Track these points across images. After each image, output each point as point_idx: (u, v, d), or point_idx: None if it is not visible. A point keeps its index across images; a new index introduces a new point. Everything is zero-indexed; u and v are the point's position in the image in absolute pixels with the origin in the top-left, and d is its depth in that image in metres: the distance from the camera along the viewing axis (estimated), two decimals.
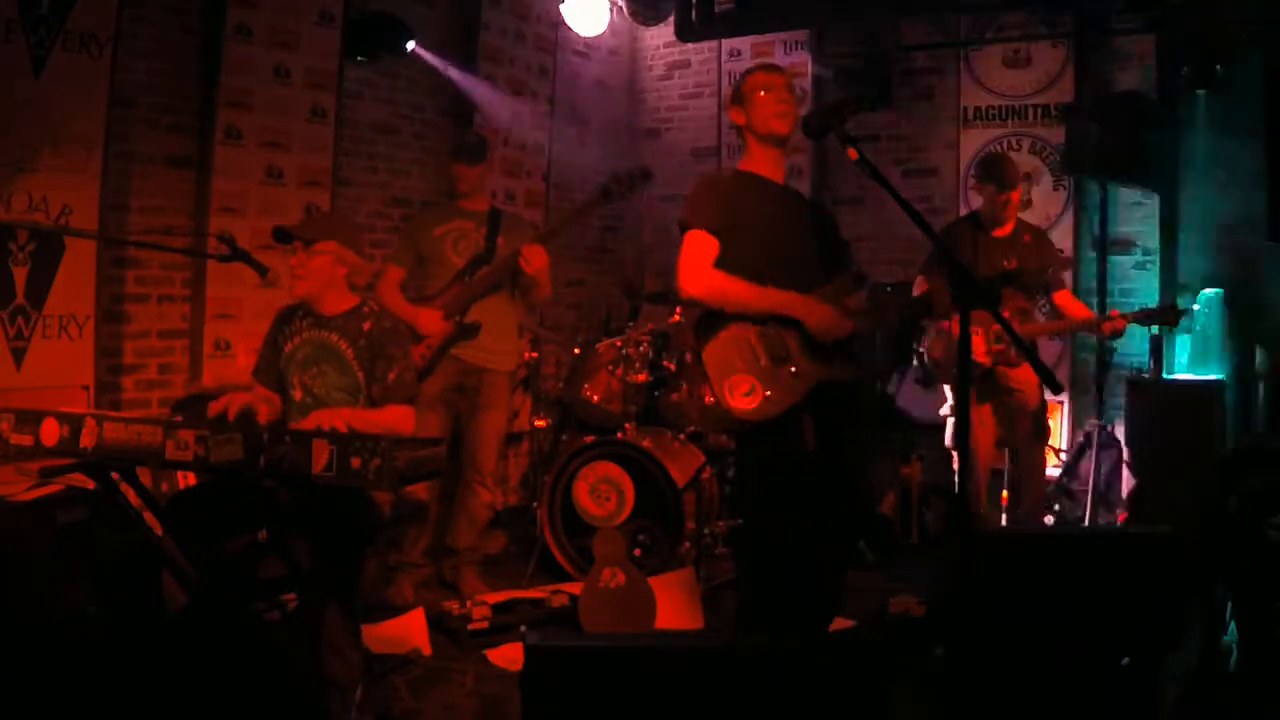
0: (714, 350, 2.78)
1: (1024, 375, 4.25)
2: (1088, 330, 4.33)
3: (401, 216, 5.22)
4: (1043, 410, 4.42)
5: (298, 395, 3.18)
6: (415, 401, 3.13)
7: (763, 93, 2.95)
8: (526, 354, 5.40)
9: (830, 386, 2.82)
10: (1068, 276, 5.09)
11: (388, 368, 3.08)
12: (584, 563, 4.38)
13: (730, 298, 2.78)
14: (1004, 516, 4.84)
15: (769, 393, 2.72)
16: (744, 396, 2.73)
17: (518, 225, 4.43)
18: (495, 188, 5.58)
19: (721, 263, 2.83)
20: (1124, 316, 4.16)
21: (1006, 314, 4.20)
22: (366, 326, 3.12)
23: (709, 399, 4.64)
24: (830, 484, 2.85)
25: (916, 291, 4.29)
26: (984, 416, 4.30)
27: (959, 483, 2.35)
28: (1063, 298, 4.43)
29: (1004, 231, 4.37)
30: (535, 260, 4.02)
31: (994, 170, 4.35)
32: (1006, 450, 4.60)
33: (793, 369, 2.74)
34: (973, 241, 4.35)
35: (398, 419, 3.02)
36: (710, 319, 2.83)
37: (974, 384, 4.22)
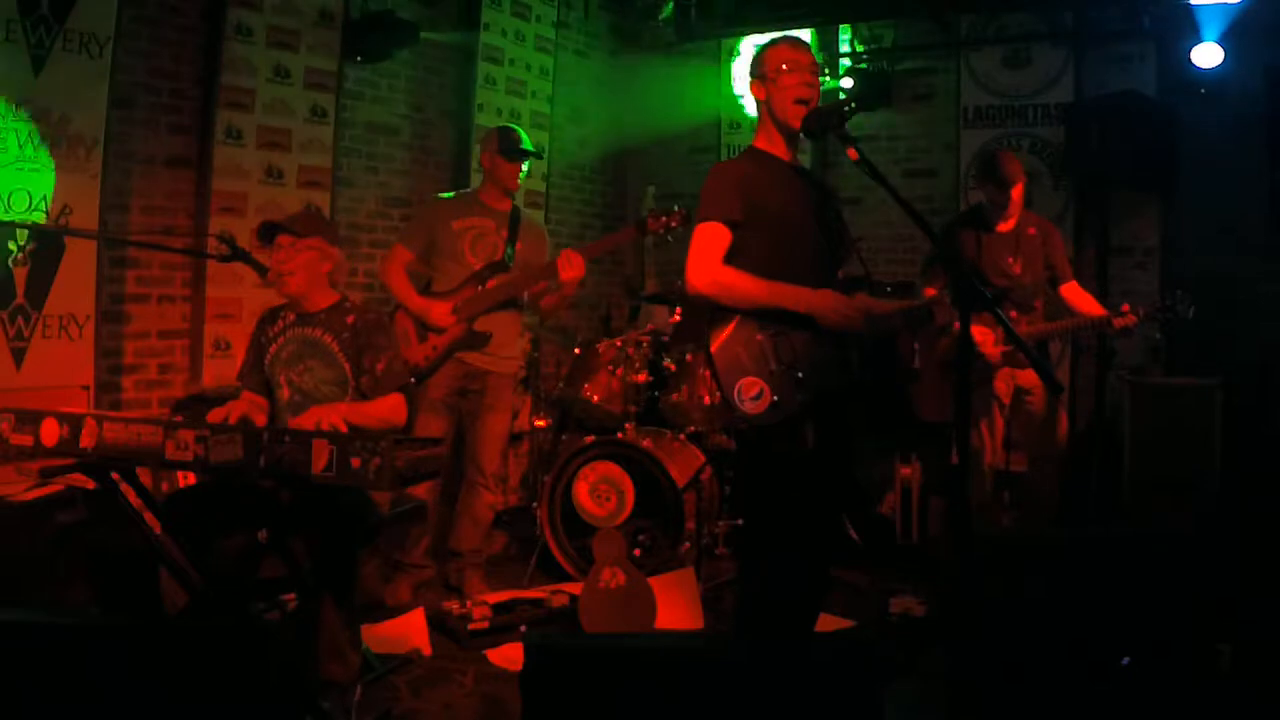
0: (723, 348, 2.76)
1: (1034, 378, 4.21)
2: (1097, 328, 4.21)
3: (401, 217, 5.22)
4: (1053, 413, 4.38)
5: (285, 394, 3.19)
6: (407, 390, 3.13)
7: (785, 67, 2.81)
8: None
9: (833, 393, 2.81)
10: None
11: (375, 359, 3.09)
12: (584, 563, 4.38)
13: (739, 294, 2.75)
14: (1005, 517, 4.82)
15: (776, 397, 2.71)
16: (752, 400, 2.72)
17: (534, 230, 4.34)
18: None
19: (733, 255, 2.80)
20: (1135, 312, 4.06)
21: (1014, 314, 4.19)
22: (350, 320, 3.15)
23: (709, 399, 4.66)
24: (827, 484, 2.84)
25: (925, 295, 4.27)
26: (993, 417, 4.31)
27: (957, 482, 2.36)
28: (1070, 290, 4.34)
29: (1007, 227, 4.35)
30: (574, 269, 3.90)
31: (992, 168, 4.31)
32: (1010, 452, 4.57)
33: (800, 374, 2.73)
34: (976, 238, 4.32)
35: (392, 409, 3.05)
36: (719, 314, 2.81)
37: (983, 385, 4.21)
